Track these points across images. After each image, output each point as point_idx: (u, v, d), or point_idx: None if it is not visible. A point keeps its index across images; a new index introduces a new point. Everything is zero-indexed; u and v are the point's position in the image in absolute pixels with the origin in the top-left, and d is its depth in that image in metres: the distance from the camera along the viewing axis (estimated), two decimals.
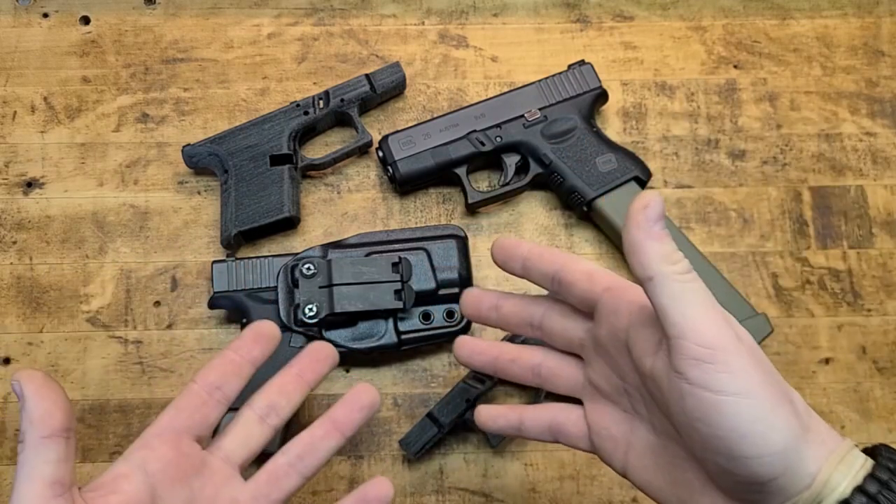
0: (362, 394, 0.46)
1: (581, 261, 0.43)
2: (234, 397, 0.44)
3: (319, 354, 0.47)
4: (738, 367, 0.35)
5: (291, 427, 0.60)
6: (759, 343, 0.60)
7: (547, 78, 0.66)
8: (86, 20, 0.71)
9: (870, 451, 0.37)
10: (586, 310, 0.44)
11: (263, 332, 0.45)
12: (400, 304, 0.58)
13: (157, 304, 0.64)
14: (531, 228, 0.66)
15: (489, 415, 0.48)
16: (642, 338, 0.39)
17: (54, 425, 0.37)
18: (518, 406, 0.48)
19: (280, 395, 0.45)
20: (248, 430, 0.44)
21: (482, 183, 0.67)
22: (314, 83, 0.70)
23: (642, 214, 0.36)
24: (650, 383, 0.39)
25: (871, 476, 0.35)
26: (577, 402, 0.47)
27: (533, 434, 0.46)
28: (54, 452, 0.37)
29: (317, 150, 0.68)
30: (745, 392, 0.34)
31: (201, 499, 0.42)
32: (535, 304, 0.46)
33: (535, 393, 0.60)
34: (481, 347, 0.48)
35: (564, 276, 0.43)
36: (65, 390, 0.39)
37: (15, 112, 0.68)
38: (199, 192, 0.67)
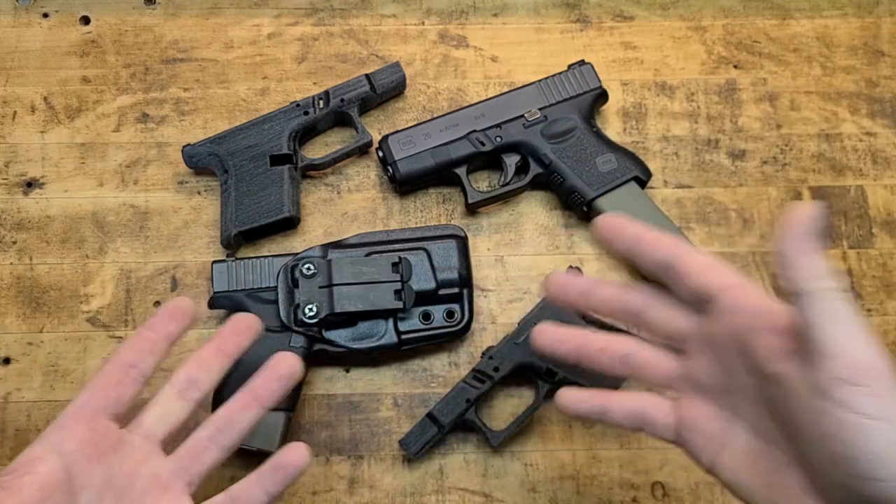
0: (281, 363, 0.45)
1: (699, 252, 0.42)
2: (151, 374, 0.44)
3: (240, 326, 0.47)
4: (888, 392, 0.34)
5: (291, 426, 0.60)
6: None
7: (547, 78, 0.66)
8: (86, 20, 0.71)
9: None
10: (697, 303, 0.42)
11: (179, 308, 0.45)
12: (400, 304, 0.58)
13: (157, 304, 0.64)
14: (531, 228, 0.66)
15: (573, 398, 0.45)
16: (770, 342, 0.38)
17: None
18: (603, 392, 0.46)
19: (200, 370, 0.45)
20: (168, 406, 0.44)
21: (482, 183, 0.67)
22: (314, 83, 0.70)
23: (800, 227, 0.36)
24: (773, 388, 0.38)
25: None
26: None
27: (616, 420, 0.45)
28: None
29: (317, 150, 0.68)
30: (891, 418, 0.34)
31: (120, 476, 0.41)
32: (634, 292, 0.44)
33: (535, 393, 0.60)
34: (565, 335, 0.45)
35: (680, 266, 0.41)
36: None
37: (15, 112, 0.68)
38: (199, 192, 0.67)
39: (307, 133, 0.67)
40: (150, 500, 0.42)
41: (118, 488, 0.41)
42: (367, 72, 0.68)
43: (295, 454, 0.44)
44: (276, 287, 0.59)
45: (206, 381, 0.45)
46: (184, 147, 0.65)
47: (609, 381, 0.59)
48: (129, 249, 0.65)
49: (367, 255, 0.60)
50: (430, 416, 0.58)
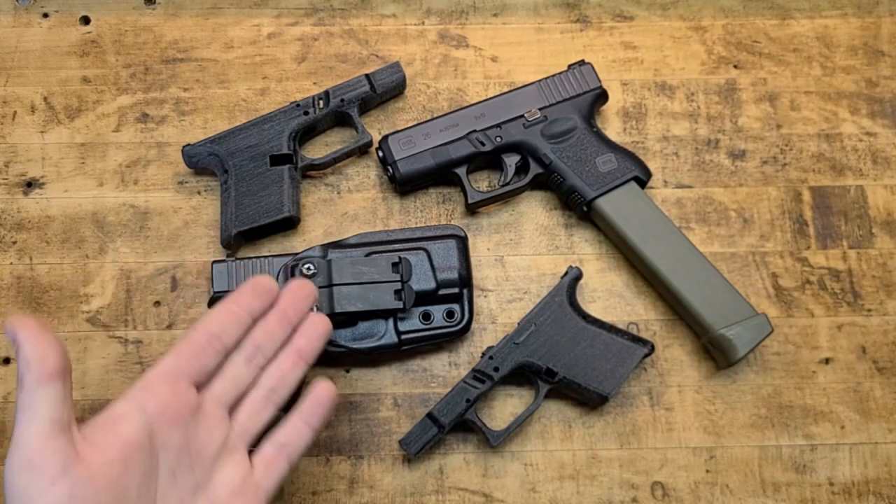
0: (317, 322, 0.48)
1: None
2: (233, 346, 0.45)
3: (300, 293, 0.48)
4: None
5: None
6: (759, 343, 0.60)
7: (547, 78, 0.66)
8: (86, 20, 0.71)
9: None
10: None
11: (262, 285, 0.47)
12: (400, 304, 0.58)
13: (157, 304, 0.64)
14: (531, 228, 0.66)
15: None
16: None
17: (50, 367, 0.38)
18: None
19: (265, 337, 0.47)
20: (236, 372, 0.46)
21: (482, 183, 0.67)
22: (314, 83, 0.70)
23: None
24: None
25: None
26: None
27: None
28: (52, 393, 0.38)
29: (317, 150, 0.68)
30: None
31: (195, 440, 0.43)
32: None
33: (535, 393, 0.60)
34: None
35: None
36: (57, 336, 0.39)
37: (15, 112, 0.68)
38: (199, 192, 0.67)
39: (307, 133, 0.67)
40: (219, 464, 0.44)
41: (193, 452, 0.43)
42: (367, 72, 0.68)
43: (326, 388, 0.48)
44: None
45: (270, 349, 0.47)
46: (184, 147, 0.65)
47: (607, 384, 0.59)
48: (129, 249, 0.65)
49: (367, 255, 0.60)
50: (430, 416, 0.58)
